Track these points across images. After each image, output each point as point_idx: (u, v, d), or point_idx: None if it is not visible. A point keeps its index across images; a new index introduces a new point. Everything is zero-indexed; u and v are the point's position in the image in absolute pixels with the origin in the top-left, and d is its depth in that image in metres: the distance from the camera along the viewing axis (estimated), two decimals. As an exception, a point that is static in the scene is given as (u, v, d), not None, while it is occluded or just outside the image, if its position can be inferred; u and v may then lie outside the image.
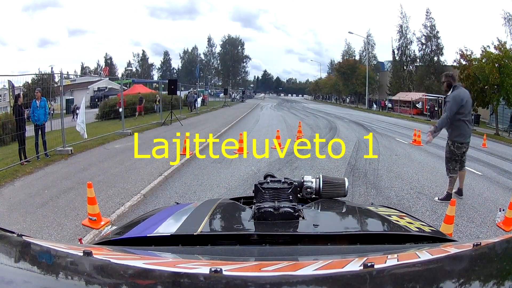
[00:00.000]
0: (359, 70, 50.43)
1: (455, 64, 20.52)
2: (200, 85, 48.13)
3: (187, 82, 51.23)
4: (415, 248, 1.01)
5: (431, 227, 1.38)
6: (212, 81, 59.00)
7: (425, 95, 32.91)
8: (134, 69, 64.40)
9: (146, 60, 66.89)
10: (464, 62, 18.70)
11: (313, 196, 1.55)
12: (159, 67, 69.07)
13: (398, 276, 0.70)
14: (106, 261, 0.78)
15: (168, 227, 1.27)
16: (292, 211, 1.25)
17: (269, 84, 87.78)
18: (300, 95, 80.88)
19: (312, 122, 20.08)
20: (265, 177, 1.50)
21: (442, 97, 27.59)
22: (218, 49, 61.77)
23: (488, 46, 17.69)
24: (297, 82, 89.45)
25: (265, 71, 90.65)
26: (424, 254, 0.85)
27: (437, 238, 1.21)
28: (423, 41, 44.93)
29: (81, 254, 0.76)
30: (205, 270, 0.69)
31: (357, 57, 58.94)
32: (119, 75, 58.31)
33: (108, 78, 42.39)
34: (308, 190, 1.54)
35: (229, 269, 0.72)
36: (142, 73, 63.76)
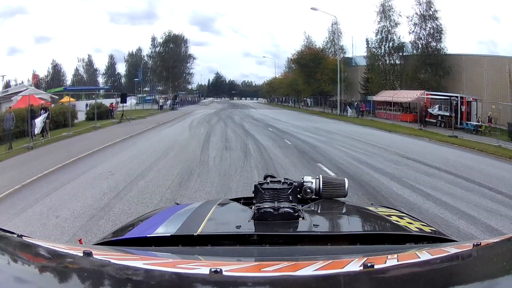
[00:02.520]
0: (325, 62, 38.23)
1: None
2: (144, 90, 46.83)
3: (132, 88, 47.43)
4: (415, 248, 1.01)
5: (431, 227, 1.38)
6: (158, 86, 52.63)
7: (428, 94, 24.29)
8: (84, 76, 57.67)
9: (92, 65, 59.19)
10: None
11: (313, 196, 1.55)
12: (104, 72, 60.31)
13: (398, 276, 0.70)
14: (106, 262, 0.78)
15: (168, 228, 1.27)
16: (292, 211, 1.25)
17: (221, 88, 78.46)
18: (254, 99, 72.58)
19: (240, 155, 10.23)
20: (265, 178, 1.50)
21: (456, 96, 21.42)
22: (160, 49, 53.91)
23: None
24: (253, 84, 79.50)
25: (217, 73, 79.44)
26: (424, 254, 0.85)
27: (437, 238, 1.22)
28: (416, 21, 31.17)
29: (81, 254, 0.76)
30: (205, 270, 0.69)
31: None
32: (67, 83, 54.12)
33: (33, 87, 36.31)
34: (308, 190, 1.54)
35: (229, 269, 0.72)
36: (88, 79, 57.61)
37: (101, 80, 58.90)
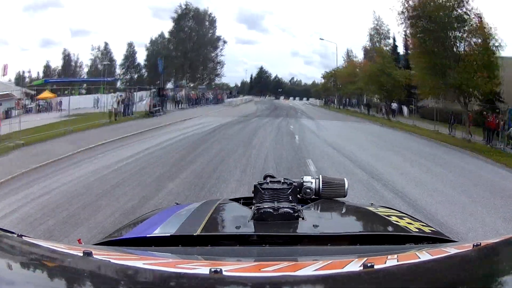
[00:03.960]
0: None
1: None
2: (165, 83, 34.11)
3: (152, 81, 36.13)
4: (415, 249, 1.01)
5: (431, 227, 1.39)
6: (183, 79, 40.55)
7: None
8: (100, 66, 43.89)
9: (109, 54, 45.90)
10: None
11: (313, 196, 1.55)
12: (122, 62, 46.33)
13: (398, 276, 0.70)
14: (106, 262, 0.78)
15: (168, 228, 1.27)
16: (292, 211, 1.25)
17: (266, 85, 66.59)
18: (304, 99, 60.55)
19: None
20: (264, 178, 1.50)
21: None
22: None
23: None
24: (302, 84, 66.90)
25: (261, 68, 66.12)
26: (424, 255, 0.85)
27: (437, 239, 1.22)
28: None
29: (81, 254, 0.76)
30: (205, 270, 0.69)
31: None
32: (82, 74, 42.91)
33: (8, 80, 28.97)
34: (308, 190, 1.54)
35: (229, 269, 0.72)
36: (103, 70, 42.85)
37: (118, 71, 46.41)
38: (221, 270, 0.66)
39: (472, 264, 0.79)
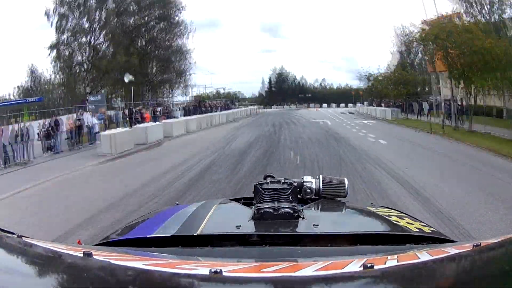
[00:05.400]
0: None
1: None
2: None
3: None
4: (415, 249, 1.01)
5: (431, 227, 1.39)
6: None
7: None
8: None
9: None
10: None
11: (313, 196, 1.55)
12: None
13: (398, 277, 0.70)
14: (106, 262, 0.78)
15: (168, 228, 1.27)
16: (292, 211, 1.25)
17: (286, 90, 47.95)
18: (342, 105, 42.33)
19: None
20: (264, 178, 1.50)
21: None
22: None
23: None
24: (334, 88, 48.34)
25: (281, 68, 48.37)
26: (424, 255, 0.85)
27: (437, 239, 1.22)
28: None
29: (81, 255, 0.76)
30: (205, 271, 0.69)
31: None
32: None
33: None
34: (308, 190, 1.54)
35: (229, 270, 0.72)
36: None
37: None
38: (221, 270, 0.66)
39: (472, 264, 0.79)
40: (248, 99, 46.62)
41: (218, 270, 0.66)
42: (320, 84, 49.87)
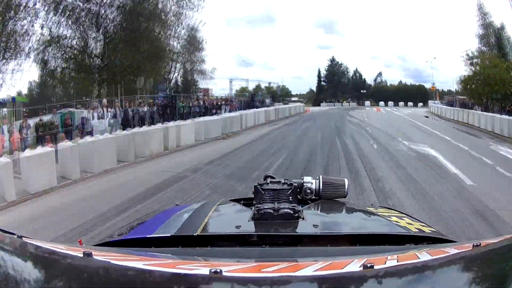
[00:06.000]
0: None
1: None
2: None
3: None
4: (415, 249, 1.01)
5: (431, 227, 1.39)
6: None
7: None
8: None
9: None
10: None
11: (313, 197, 1.55)
12: None
13: (398, 277, 0.70)
14: (106, 262, 0.78)
15: (168, 228, 1.27)
16: (292, 212, 1.25)
17: (341, 83, 40.36)
18: (410, 104, 36.29)
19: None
20: (264, 178, 1.50)
21: None
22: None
23: None
24: (389, 85, 41.22)
25: (332, 59, 40.70)
26: (423, 255, 0.85)
27: (437, 239, 1.22)
28: None
29: (81, 255, 0.76)
30: (205, 271, 0.69)
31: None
32: None
33: None
34: (308, 191, 1.54)
35: (229, 270, 0.72)
36: None
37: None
38: (221, 270, 0.66)
39: (472, 264, 0.79)
40: (297, 95, 38.72)
41: (218, 270, 0.66)
42: (375, 80, 41.60)
